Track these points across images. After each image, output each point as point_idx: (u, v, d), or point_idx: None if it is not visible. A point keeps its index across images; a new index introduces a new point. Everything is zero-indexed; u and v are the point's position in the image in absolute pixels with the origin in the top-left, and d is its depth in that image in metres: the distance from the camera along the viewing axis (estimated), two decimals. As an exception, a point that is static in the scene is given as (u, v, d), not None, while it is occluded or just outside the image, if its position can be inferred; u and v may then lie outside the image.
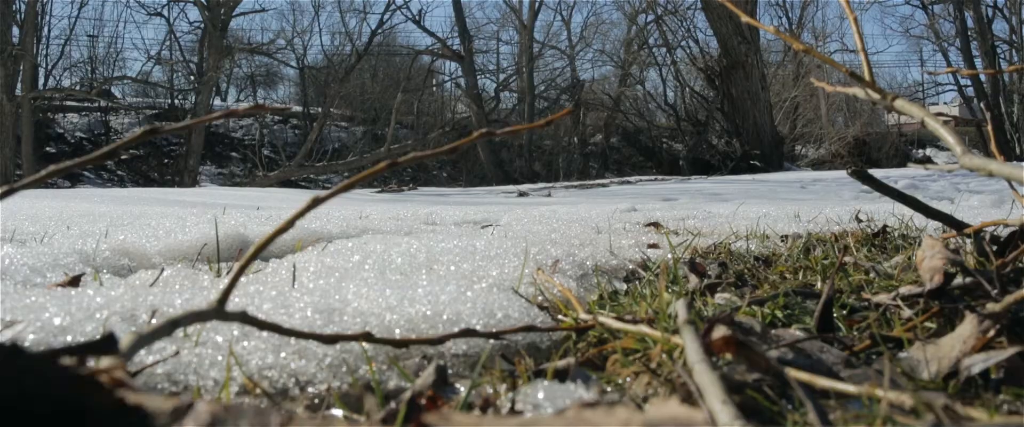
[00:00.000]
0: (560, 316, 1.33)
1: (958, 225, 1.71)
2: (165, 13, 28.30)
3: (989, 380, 0.93)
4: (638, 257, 2.02)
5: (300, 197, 6.76)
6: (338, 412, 0.96)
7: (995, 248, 1.57)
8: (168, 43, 29.61)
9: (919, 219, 2.61)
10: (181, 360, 1.02)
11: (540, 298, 1.47)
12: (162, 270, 1.80)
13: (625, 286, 1.75)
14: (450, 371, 1.09)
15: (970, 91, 29.85)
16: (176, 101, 28.54)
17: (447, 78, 31.71)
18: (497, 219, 3.22)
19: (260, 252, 0.86)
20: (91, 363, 0.66)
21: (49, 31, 27.53)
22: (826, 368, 0.97)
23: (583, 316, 1.25)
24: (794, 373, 0.88)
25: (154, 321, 1.16)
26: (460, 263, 1.73)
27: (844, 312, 1.27)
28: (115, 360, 0.68)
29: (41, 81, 26.65)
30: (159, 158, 25.65)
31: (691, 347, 0.87)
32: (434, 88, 31.35)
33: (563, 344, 1.18)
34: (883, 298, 1.30)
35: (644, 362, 1.03)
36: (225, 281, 0.87)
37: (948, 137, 1.25)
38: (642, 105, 28.85)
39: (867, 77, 1.43)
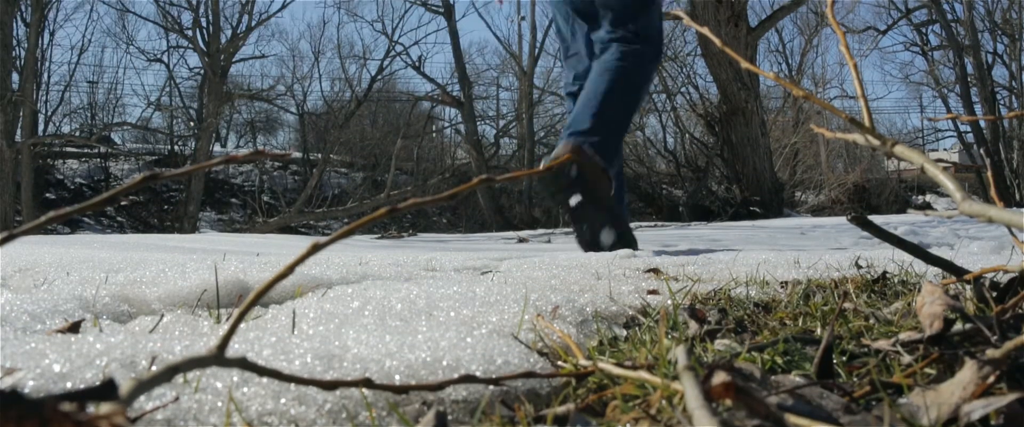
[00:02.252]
0: (560, 362, 1.33)
1: (958, 271, 1.71)
2: (165, 59, 28.45)
3: (989, 426, 0.93)
4: (638, 303, 2.02)
5: (300, 243, 6.76)
6: (337, 458, 0.96)
7: (995, 294, 1.57)
8: (168, 89, 29.85)
9: (919, 265, 2.62)
10: (181, 406, 1.01)
11: (540, 344, 1.47)
12: (162, 316, 1.80)
13: (625, 332, 1.75)
14: (450, 417, 1.09)
15: (970, 137, 29.94)
16: (176, 147, 28.66)
17: (447, 124, 31.88)
18: (497, 265, 3.22)
19: (260, 298, 0.87)
20: (91, 409, 0.66)
21: (49, 77, 27.69)
22: (826, 414, 0.97)
23: (583, 362, 1.25)
24: (794, 419, 0.88)
25: (154, 367, 1.16)
26: (460, 309, 1.73)
27: (844, 358, 1.27)
28: (115, 406, 0.68)
29: (41, 127, 26.72)
30: (159, 204, 25.70)
31: (691, 393, 0.87)
32: (434, 134, 31.49)
33: (563, 390, 1.18)
34: (883, 344, 1.30)
35: (644, 408, 1.03)
36: (225, 327, 0.87)
37: (948, 183, 1.25)
38: (642, 151, 28.90)
39: (867, 123, 1.43)
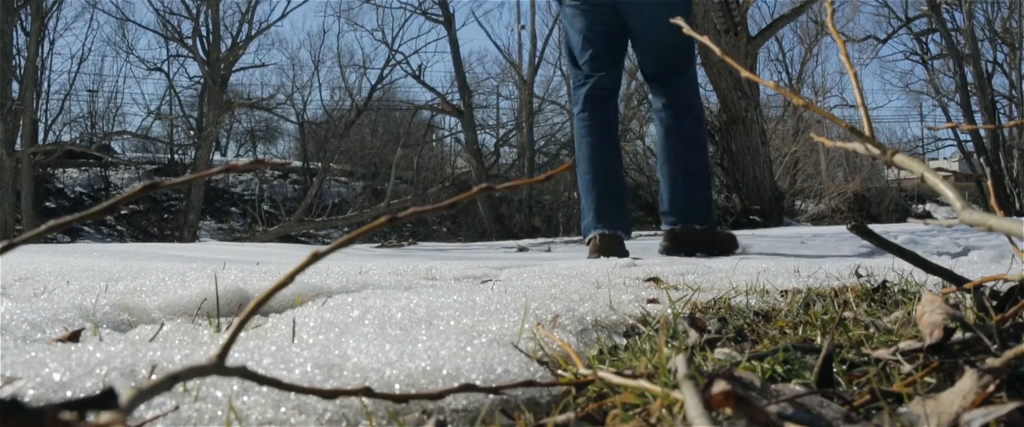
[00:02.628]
0: (560, 371, 1.33)
1: (958, 280, 1.71)
2: (165, 68, 28.45)
3: (989, 435, 0.92)
4: (638, 312, 2.02)
5: (300, 252, 6.75)
6: (337, 467, 0.96)
7: (995, 303, 1.57)
8: (168, 98, 29.80)
9: (919, 274, 2.61)
10: (181, 415, 1.01)
11: (540, 353, 1.47)
12: (162, 325, 1.80)
13: (625, 341, 1.75)
14: (450, 426, 1.09)
15: (970, 146, 29.95)
16: (176, 156, 28.63)
17: (447, 133, 31.86)
18: (497, 274, 3.22)
19: (260, 307, 0.87)
20: (91, 418, 0.66)
21: (49, 86, 27.69)
22: (826, 423, 0.97)
23: (583, 371, 1.25)
24: (794, 428, 0.88)
25: (154, 376, 1.16)
26: (460, 318, 1.73)
27: (844, 367, 1.27)
28: (115, 415, 0.68)
29: (41, 136, 26.71)
30: (159, 213, 25.70)
31: (691, 402, 0.87)
32: (434, 143, 31.47)
33: (563, 399, 1.18)
34: (883, 353, 1.30)
35: (644, 417, 1.03)
36: (225, 336, 0.87)
37: (948, 192, 1.25)
38: (642, 160, 28.90)
39: (867, 132, 1.43)
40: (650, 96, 6.02)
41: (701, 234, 5.68)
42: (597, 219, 5.60)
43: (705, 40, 1.64)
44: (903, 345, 1.29)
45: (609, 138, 5.78)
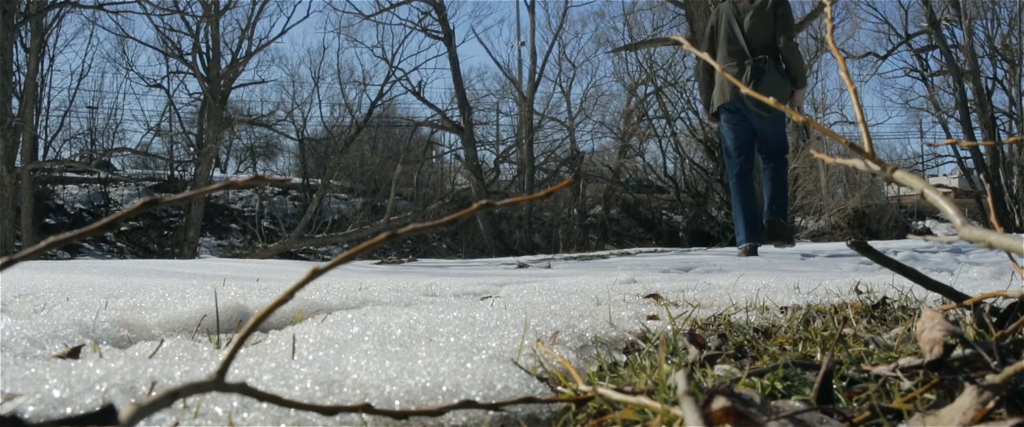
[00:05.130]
0: (560, 387, 1.33)
1: (958, 296, 1.71)
2: (165, 85, 28.42)
3: (989, 451, 0.92)
4: (637, 328, 2.02)
5: (300, 269, 6.75)
6: (337, 484, 0.96)
7: (995, 320, 1.57)
8: (168, 114, 29.82)
9: (918, 290, 2.61)
10: (180, 432, 1.01)
11: (540, 369, 1.47)
12: (162, 342, 1.80)
13: (625, 357, 1.75)
14: (450, 442, 1.08)
15: (970, 163, 29.92)
16: (176, 172, 28.60)
17: (447, 150, 31.85)
18: (497, 291, 3.21)
19: (260, 323, 0.86)
20: (91, 434, 0.66)
21: (49, 102, 27.73)
22: (826, 440, 0.97)
23: (583, 387, 1.25)
24: (794, 445, 0.88)
25: (154, 393, 1.16)
26: (460, 335, 1.73)
27: (844, 383, 1.27)
28: (115, 431, 0.68)
29: (41, 152, 26.71)
30: (159, 230, 25.66)
31: (691, 418, 0.87)
32: (434, 159, 31.44)
33: (563, 415, 1.18)
34: (883, 369, 1.29)
35: (644, 433, 1.03)
36: (224, 353, 0.87)
37: (947, 209, 1.25)
38: (642, 176, 28.92)
39: (867, 149, 1.43)
40: (762, 158, 9.24)
41: (783, 225, 8.84)
42: (747, 236, 8.80)
43: (705, 56, 1.64)
44: (903, 361, 1.29)
45: (747, 186, 9.05)
